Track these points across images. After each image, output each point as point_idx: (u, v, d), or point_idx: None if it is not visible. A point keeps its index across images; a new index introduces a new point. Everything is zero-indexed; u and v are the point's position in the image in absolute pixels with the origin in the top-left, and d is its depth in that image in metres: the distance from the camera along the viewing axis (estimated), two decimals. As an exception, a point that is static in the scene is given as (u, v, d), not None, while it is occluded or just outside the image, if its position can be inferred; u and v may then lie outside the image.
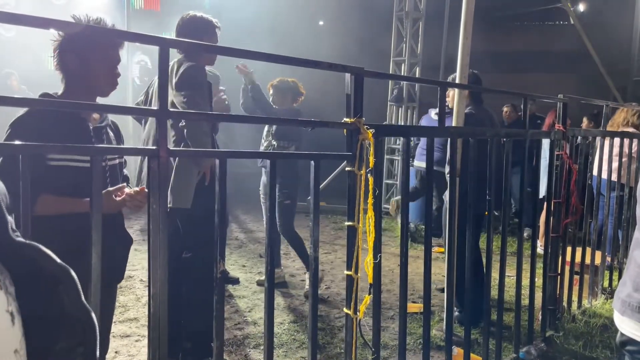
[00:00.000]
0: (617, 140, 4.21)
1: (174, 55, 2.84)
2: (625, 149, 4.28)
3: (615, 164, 4.20)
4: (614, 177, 4.27)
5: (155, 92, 2.99)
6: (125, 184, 2.05)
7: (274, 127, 4.35)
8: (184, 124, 2.80)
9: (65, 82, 1.91)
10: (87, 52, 1.86)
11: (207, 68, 3.41)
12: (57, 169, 1.79)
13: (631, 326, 1.58)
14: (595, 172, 4.27)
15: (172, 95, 2.71)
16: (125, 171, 2.18)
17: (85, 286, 1.74)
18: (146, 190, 1.93)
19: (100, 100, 1.98)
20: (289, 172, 4.18)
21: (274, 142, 4.27)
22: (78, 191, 1.82)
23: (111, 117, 2.08)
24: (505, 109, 7.31)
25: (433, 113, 5.73)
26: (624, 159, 4.26)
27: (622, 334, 1.62)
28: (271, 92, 4.42)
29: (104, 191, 1.77)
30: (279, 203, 4.30)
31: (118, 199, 1.88)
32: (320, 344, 3.37)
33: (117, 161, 2.04)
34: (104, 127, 1.99)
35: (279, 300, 4.18)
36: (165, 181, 1.60)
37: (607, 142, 4.08)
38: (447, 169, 2.94)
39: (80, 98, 1.84)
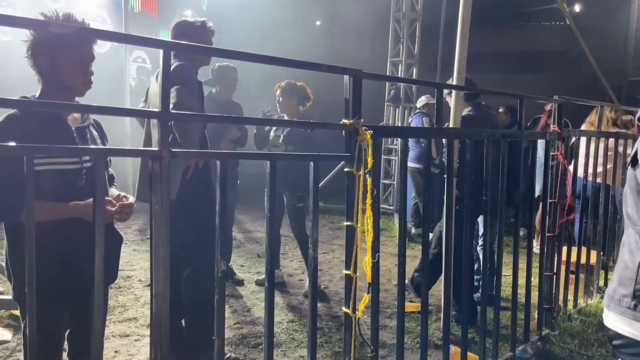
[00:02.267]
0: (611, 143, 4.20)
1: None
2: (619, 149, 4.27)
3: (609, 165, 4.20)
4: (609, 181, 4.26)
5: (153, 93, 3.01)
6: (117, 194, 2.02)
7: (285, 131, 4.29)
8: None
9: (41, 82, 1.88)
10: (58, 52, 1.81)
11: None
12: (43, 173, 1.74)
13: (615, 319, 1.61)
14: (580, 172, 3.98)
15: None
16: (110, 170, 2.16)
17: (78, 291, 1.74)
18: (133, 201, 1.94)
19: (97, 102, 1.96)
20: (301, 175, 4.15)
21: (288, 147, 4.17)
22: (64, 195, 1.79)
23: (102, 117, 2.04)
24: (500, 109, 7.33)
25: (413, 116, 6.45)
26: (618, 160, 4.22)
27: (608, 329, 1.65)
28: (277, 93, 4.33)
29: (90, 200, 1.70)
30: (292, 206, 4.31)
31: (110, 208, 1.86)
32: (318, 343, 3.40)
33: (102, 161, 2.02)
34: (86, 126, 1.95)
35: (277, 300, 4.20)
36: (167, 182, 1.62)
37: (592, 143, 4.05)
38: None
39: (57, 98, 1.82)
